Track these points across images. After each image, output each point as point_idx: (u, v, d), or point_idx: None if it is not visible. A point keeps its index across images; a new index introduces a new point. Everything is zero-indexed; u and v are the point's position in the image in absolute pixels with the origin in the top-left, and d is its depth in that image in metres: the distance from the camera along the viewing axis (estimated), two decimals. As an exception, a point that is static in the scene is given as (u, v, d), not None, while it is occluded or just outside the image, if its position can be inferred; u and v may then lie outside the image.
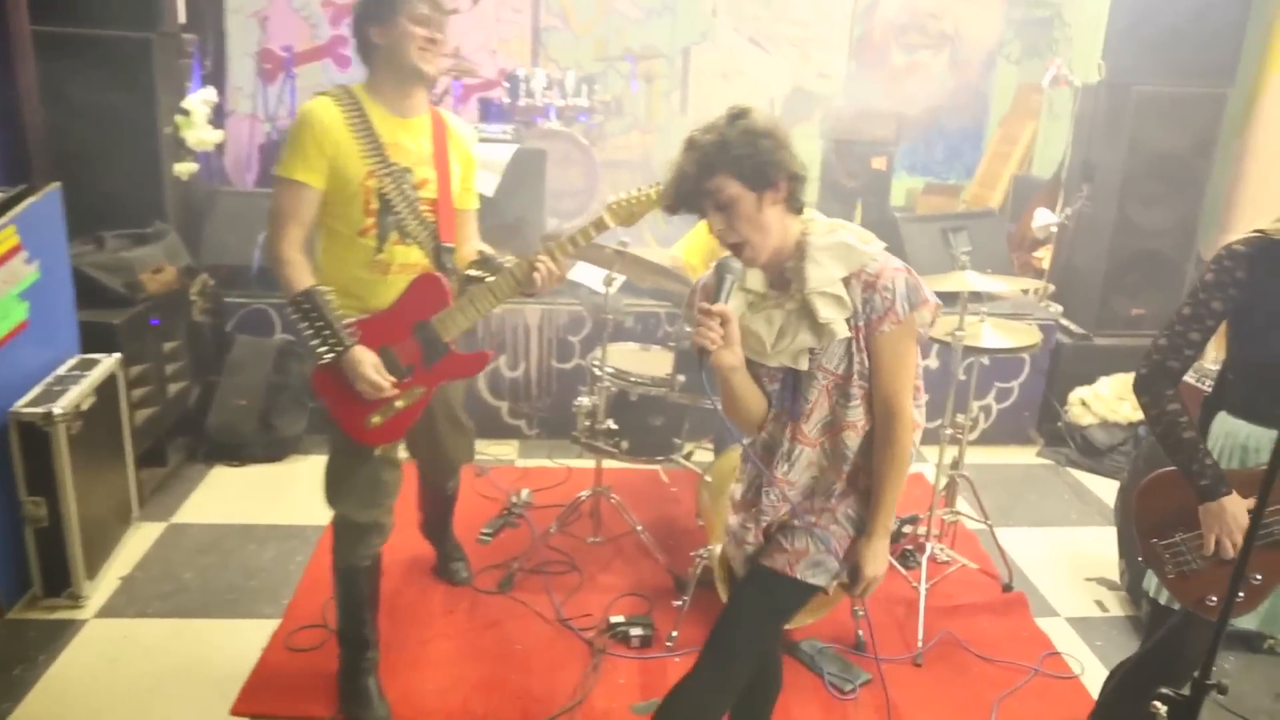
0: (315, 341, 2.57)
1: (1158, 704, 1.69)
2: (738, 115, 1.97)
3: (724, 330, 1.97)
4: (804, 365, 2.07)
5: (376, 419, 2.67)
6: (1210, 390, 2.28)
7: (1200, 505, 2.14)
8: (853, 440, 2.10)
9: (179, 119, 4.57)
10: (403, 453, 2.93)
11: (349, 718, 2.89)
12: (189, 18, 4.94)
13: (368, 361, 2.58)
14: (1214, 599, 2.16)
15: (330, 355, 2.56)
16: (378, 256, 2.66)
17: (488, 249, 2.86)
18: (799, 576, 2.13)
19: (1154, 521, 2.24)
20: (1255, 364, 2.13)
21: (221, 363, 4.63)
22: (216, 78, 6.24)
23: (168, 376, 4.31)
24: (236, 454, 4.53)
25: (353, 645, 2.95)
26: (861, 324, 2.01)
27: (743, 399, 2.12)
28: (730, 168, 1.94)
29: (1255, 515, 1.60)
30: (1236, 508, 2.10)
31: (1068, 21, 7.50)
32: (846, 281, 2.00)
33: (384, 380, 2.59)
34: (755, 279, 2.08)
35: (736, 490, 2.30)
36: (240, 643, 3.24)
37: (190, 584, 3.58)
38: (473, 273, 2.79)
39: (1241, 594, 2.13)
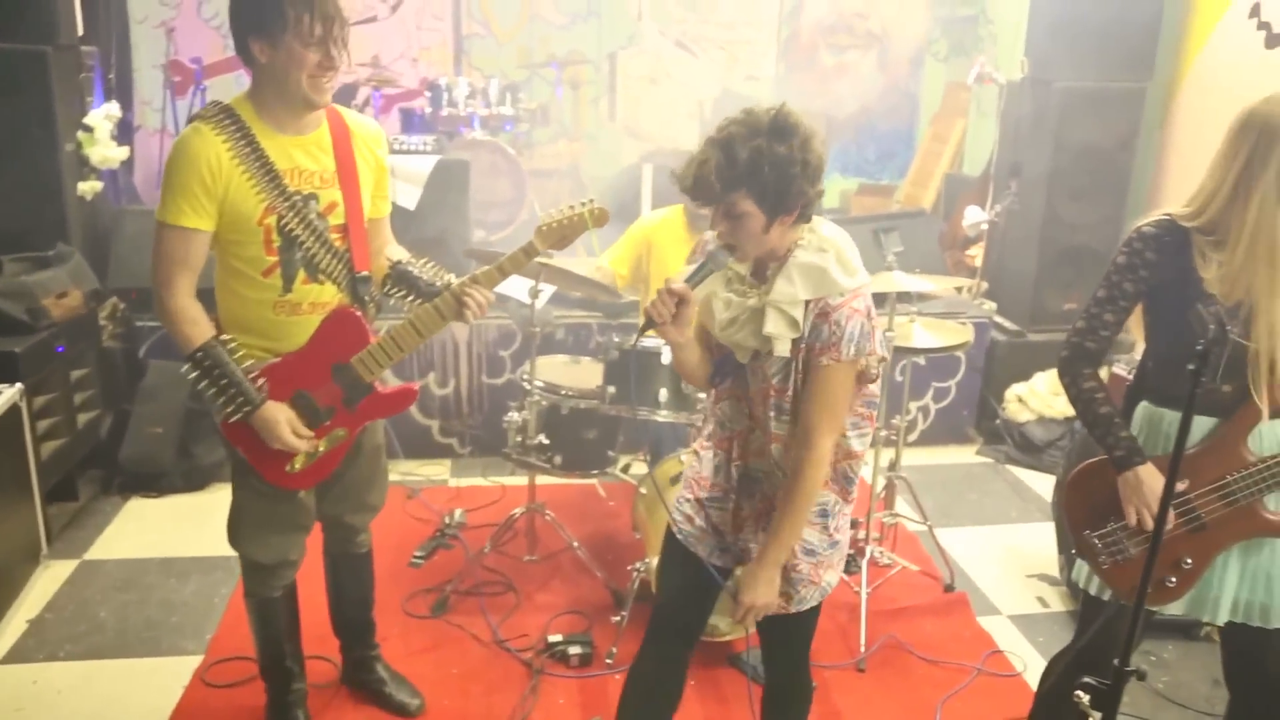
0: (220, 401, 2.36)
1: (1080, 693, 1.73)
2: (783, 129, 1.93)
3: (677, 311, 2.01)
4: (743, 358, 2.12)
5: (298, 464, 2.52)
6: (1132, 379, 2.33)
7: (1119, 478, 2.19)
8: (775, 451, 2.14)
9: (81, 136, 4.47)
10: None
11: None
12: (88, 29, 4.83)
13: (281, 420, 2.40)
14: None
15: (239, 416, 2.37)
16: (285, 297, 2.43)
17: (404, 256, 2.69)
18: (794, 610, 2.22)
19: (1085, 513, 2.29)
20: (1170, 349, 2.18)
21: (135, 390, 4.51)
22: (121, 92, 6.11)
23: (77, 406, 4.20)
24: (154, 484, 4.42)
25: (276, 679, 2.87)
26: (803, 347, 2.03)
27: (687, 364, 2.22)
28: (754, 189, 1.93)
29: (1165, 493, 1.64)
30: (1153, 479, 2.15)
31: (992, 19, 7.66)
32: (807, 304, 2.01)
33: (299, 441, 2.44)
34: (733, 263, 2.11)
35: (700, 462, 2.32)
36: (161, 682, 3.16)
37: (106, 623, 3.48)
38: (393, 291, 2.66)
39: (1174, 579, 2.18)
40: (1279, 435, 2.17)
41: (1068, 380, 2.27)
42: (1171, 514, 2.12)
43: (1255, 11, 4.69)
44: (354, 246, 2.50)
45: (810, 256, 2.02)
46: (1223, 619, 2.22)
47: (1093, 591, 2.33)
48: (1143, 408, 2.27)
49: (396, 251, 2.72)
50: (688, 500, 2.31)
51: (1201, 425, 2.16)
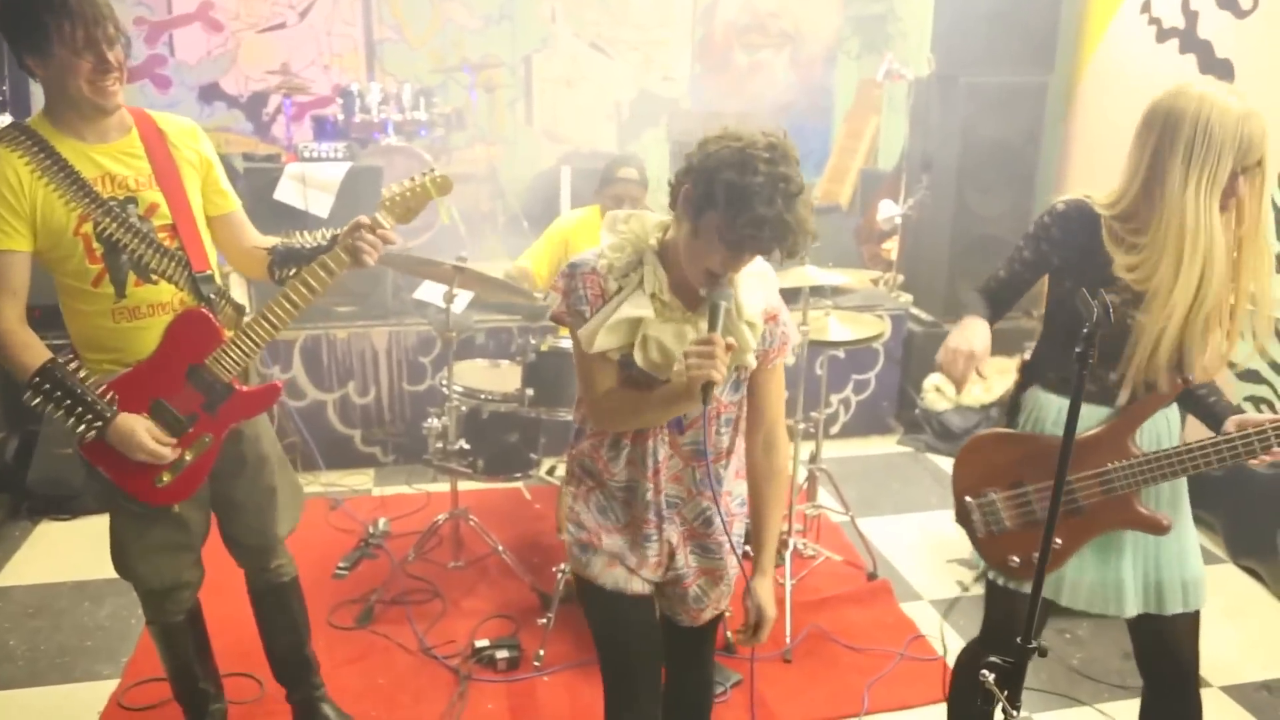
0: (70, 422, 2.28)
1: (985, 672, 1.78)
2: (795, 192, 1.78)
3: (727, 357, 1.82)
4: (722, 392, 2.01)
5: (166, 477, 2.42)
6: (1028, 361, 2.39)
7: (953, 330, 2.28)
8: (721, 470, 2.10)
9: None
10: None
11: None
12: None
13: (139, 429, 2.32)
14: (1016, 559, 2.28)
15: (92, 434, 2.30)
16: (121, 303, 2.36)
17: (277, 240, 2.58)
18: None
19: (970, 481, 2.35)
20: (1064, 332, 2.24)
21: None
22: (16, 102, 5.94)
23: (-19, 429, 4.09)
24: (65, 506, 4.33)
25: (191, 703, 2.82)
26: (758, 352, 2.00)
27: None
28: (783, 248, 1.82)
29: (1059, 476, 1.70)
30: (977, 330, 2.23)
31: (900, 16, 7.83)
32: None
33: (162, 448, 2.35)
34: (662, 285, 1.94)
35: (601, 509, 2.13)
36: (75, 710, 3.10)
37: (16, 651, 3.40)
38: (283, 274, 2.53)
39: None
40: (1157, 430, 2.24)
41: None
42: (964, 370, 2.21)
43: (1146, 7, 4.87)
44: (187, 245, 2.44)
45: (754, 264, 1.95)
46: (1130, 612, 2.26)
47: (990, 576, 2.40)
48: (1032, 392, 2.34)
49: (268, 240, 2.63)
50: (597, 552, 2.12)
51: (1093, 414, 2.21)
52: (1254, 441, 2.06)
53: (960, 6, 5.23)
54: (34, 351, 2.28)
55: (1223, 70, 4.38)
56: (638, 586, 2.11)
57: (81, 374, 2.31)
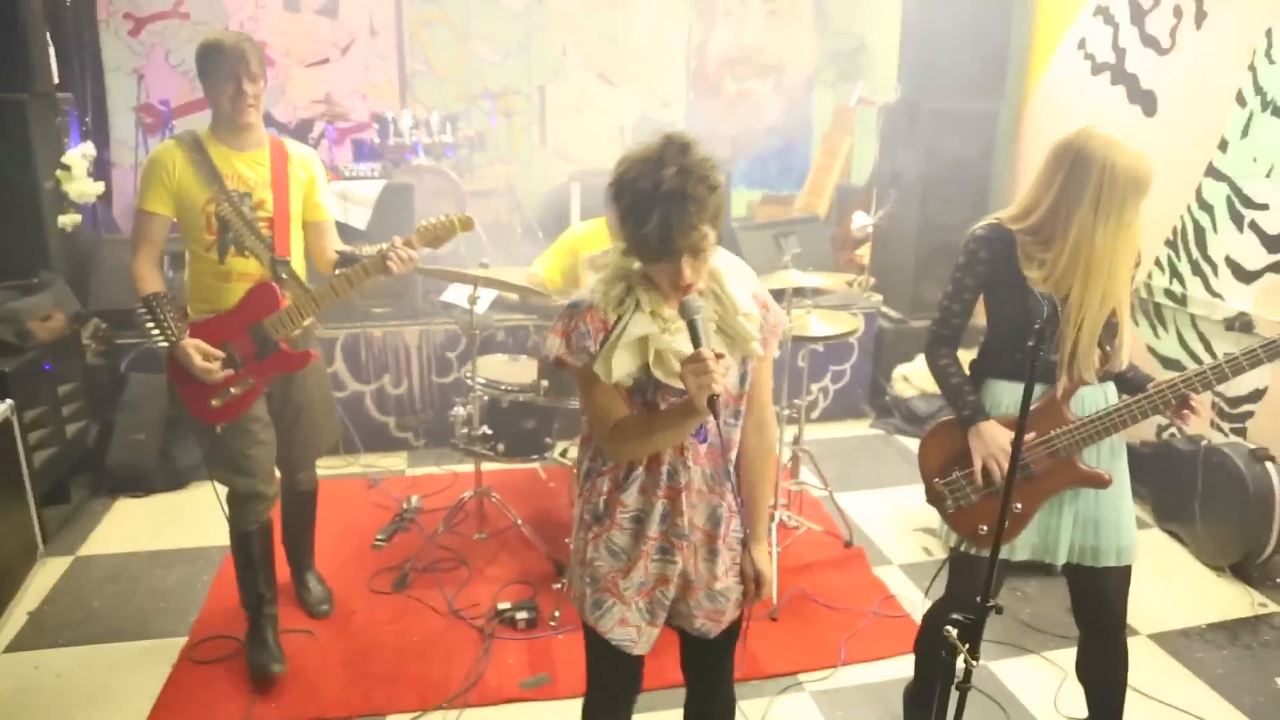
0: (155, 334, 2.77)
1: (949, 628, 1.80)
2: (687, 146, 1.66)
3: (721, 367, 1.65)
4: (732, 385, 1.87)
5: (216, 402, 2.85)
6: (976, 358, 2.43)
7: (968, 433, 2.31)
8: (733, 458, 1.94)
9: (60, 173, 4.37)
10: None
11: (255, 664, 3.01)
12: (64, 77, 4.74)
13: (192, 350, 2.76)
14: (984, 528, 2.33)
15: (164, 344, 2.78)
16: (220, 267, 2.85)
17: (346, 249, 3.01)
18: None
19: (936, 465, 2.40)
20: (1006, 327, 2.29)
21: (118, 401, 4.43)
22: (98, 132, 5.98)
23: (65, 417, 4.11)
24: (139, 486, 4.34)
25: (253, 603, 3.08)
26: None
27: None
28: (710, 216, 1.68)
29: (1015, 446, 1.72)
30: (996, 432, 2.28)
31: (870, 50, 7.82)
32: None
33: (211, 366, 2.78)
34: (656, 302, 1.79)
35: (615, 544, 1.93)
36: (151, 662, 3.12)
37: (99, 612, 3.42)
38: (339, 272, 2.92)
39: (1007, 522, 2.28)
40: (1097, 399, 2.30)
41: (929, 360, 2.40)
42: (1005, 464, 2.23)
43: (1082, 44, 4.86)
44: (277, 235, 2.89)
45: (726, 259, 1.87)
46: (1061, 560, 2.33)
47: (951, 544, 2.43)
48: (987, 384, 2.37)
49: (342, 246, 3.05)
50: (611, 607, 1.95)
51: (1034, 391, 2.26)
52: (1166, 393, 2.19)
53: (923, 41, 5.22)
54: (149, 283, 2.81)
55: (1147, 100, 4.38)
56: (641, 650, 1.98)
57: (169, 309, 2.78)
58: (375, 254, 2.86)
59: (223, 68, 2.73)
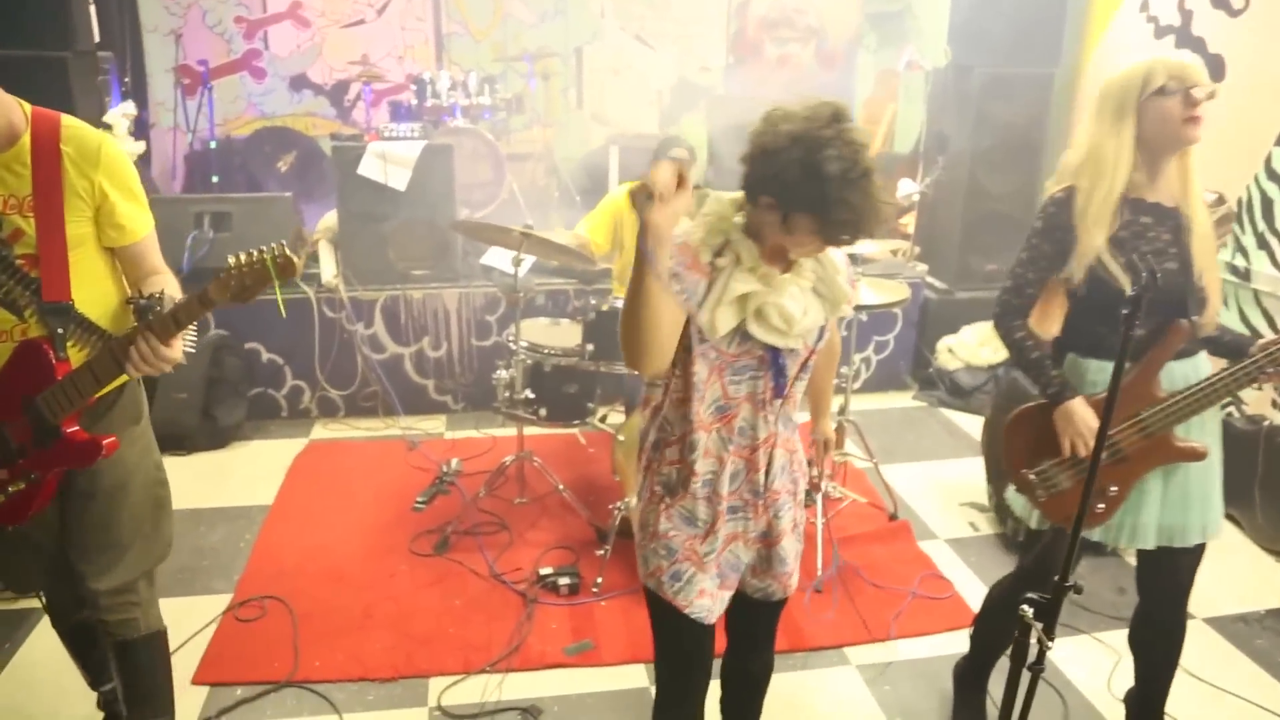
0: None
1: (1025, 607, 1.73)
2: (869, 169, 1.64)
3: (676, 183, 1.57)
4: (813, 342, 1.87)
5: None
6: (1060, 335, 2.32)
7: (1054, 412, 2.19)
8: (794, 408, 1.94)
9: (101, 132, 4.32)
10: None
11: None
12: (104, 37, 4.69)
13: None
14: None
15: None
16: None
17: (154, 291, 1.94)
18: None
19: (1022, 454, 2.28)
20: (1090, 301, 2.18)
21: (158, 360, 4.41)
22: (137, 93, 5.95)
23: (106, 376, 4.08)
24: (181, 444, 4.34)
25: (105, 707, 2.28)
26: None
27: (659, 319, 1.64)
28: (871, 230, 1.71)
29: (1100, 431, 1.64)
30: (1084, 410, 2.15)
31: (917, 14, 7.62)
32: None
33: None
34: (756, 259, 1.77)
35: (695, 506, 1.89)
36: (196, 618, 3.12)
37: (141, 569, 3.42)
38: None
39: (1101, 505, 2.19)
40: (1186, 373, 2.18)
41: (1002, 332, 2.26)
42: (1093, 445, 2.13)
43: (1145, 6, 4.69)
44: (47, 275, 1.95)
45: None
46: (1150, 545, 2.22)
47: (1034, 525, 2.33)
48: (1070, 360, 2.27)
49: (161, 283, 2.07)
50: (692, 577, 1.90)
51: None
52: (1276, 353, 2.05)
53: (974, 4, 5.06)
54: None
55: (1215, 65, 4.21)
56: (713, 619, 1.94)
57: None
58: (164, 314, 1.89)
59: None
